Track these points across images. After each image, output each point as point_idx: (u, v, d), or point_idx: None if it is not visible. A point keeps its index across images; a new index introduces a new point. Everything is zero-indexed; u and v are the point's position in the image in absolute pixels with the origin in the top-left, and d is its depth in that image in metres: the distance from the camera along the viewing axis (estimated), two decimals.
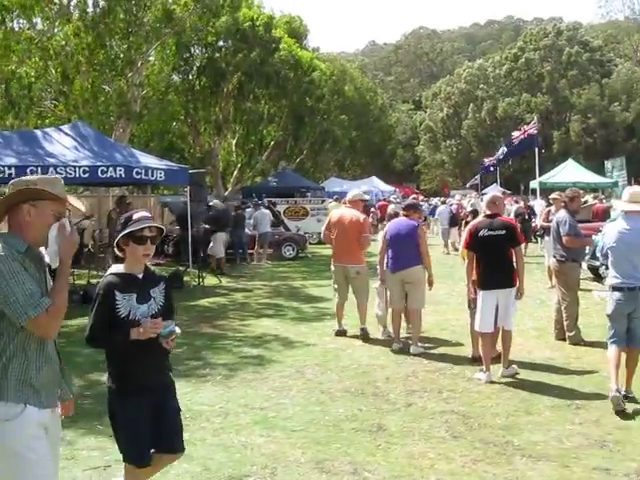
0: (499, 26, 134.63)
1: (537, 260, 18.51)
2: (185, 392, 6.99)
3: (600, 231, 15.34)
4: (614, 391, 6.71)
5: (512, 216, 18.75)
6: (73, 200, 3.62)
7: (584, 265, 14.82)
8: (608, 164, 29.79)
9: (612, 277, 7.06)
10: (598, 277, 14.43)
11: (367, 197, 13.16)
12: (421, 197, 43.11)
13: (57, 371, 3.48)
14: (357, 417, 6.62)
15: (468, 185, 45.82)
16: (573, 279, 9.87)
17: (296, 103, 31.74)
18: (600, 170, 31.49)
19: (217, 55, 28.02)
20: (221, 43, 28.53)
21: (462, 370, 8.26)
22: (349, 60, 75.13)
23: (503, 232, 7.87)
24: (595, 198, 26.18)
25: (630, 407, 6.78)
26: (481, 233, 7.95)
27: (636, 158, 57.70)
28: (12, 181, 3.44)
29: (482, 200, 10.69)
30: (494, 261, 7.92)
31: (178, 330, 4.14)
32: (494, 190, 27.69)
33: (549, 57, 67.32)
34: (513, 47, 73.96)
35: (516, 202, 26.39)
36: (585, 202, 21.51)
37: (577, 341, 9.51)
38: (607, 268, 7.45)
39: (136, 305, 4.10)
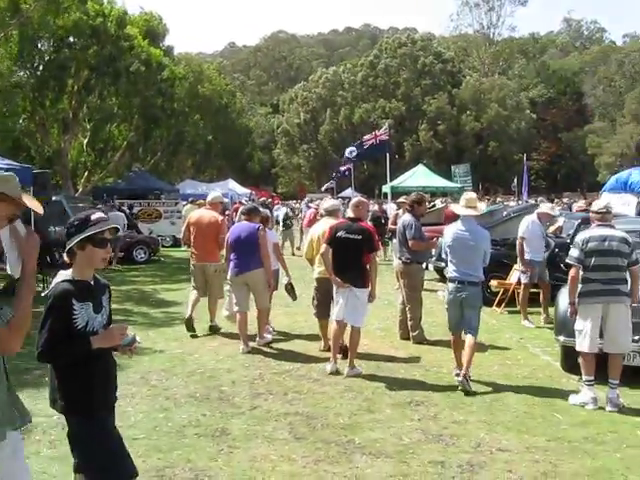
0: (356, 34, 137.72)
1: (387, 262, 19.00)
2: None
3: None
4: (457, 375, 7.63)
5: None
6: (28, 200, 3.14)
7: (430, 266, 15.39)
8: (455, 169, 31.15)
9: (450, 271, 8.05)
10: (443, 278, 14.97)
11: (226, 200, 13.36)
12: (277, 200, 43.39)
13: (8, 397, 3.10)
14: (201, 422, 6.52)
15: (323, 189, 46.49)
16: (418, 280, 10.22)
17: (149, 102, 30.96)
18: (450, 175, 32.89)
19: (66, 50, 26.85)
20: (71, 39, 27.41)
21: (308, 371, 8.32)
22: (207, 61, 74.43)
23: (359, 237, 8.15)
24: (444, 202, 27.32)
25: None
26: (339, 234, 8.24)
27: (483, 164, 60.81)
28: None
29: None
30: (346, 262, 8.20)
31: (138, 338, 3.90)
32: (350, 194, 28.26)
33: (405, 65, 69.54)
34: (370, 54, 75.91)
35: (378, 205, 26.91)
36: (433, 206, 22.42)
37: (420, 340, 9.84)
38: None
39: (93, 315, 3.76)
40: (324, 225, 9.12)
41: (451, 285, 8.01)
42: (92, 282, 3.86)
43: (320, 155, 69.65)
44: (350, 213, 8.61)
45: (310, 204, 29.49)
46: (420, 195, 10.48)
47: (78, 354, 3.66)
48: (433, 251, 14.71)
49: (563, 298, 8.05)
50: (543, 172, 71.43)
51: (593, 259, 7.15)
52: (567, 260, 7.45)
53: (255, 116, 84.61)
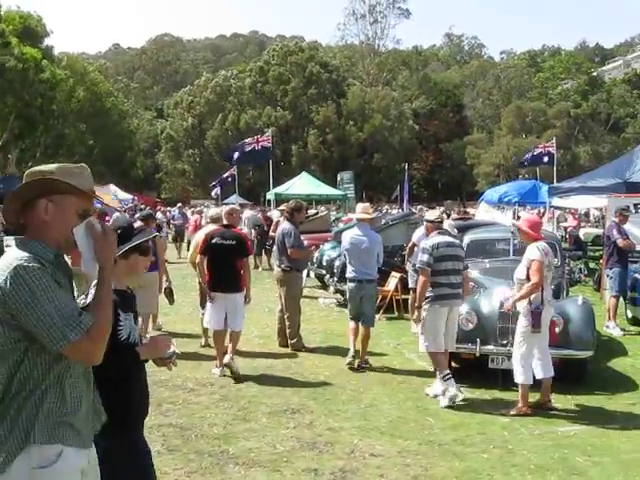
0: (244, 40, 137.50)
1: (269, 269, 18.98)
2: None
3: (328, 241, 16.22)
4: (350, 355, 8.80)
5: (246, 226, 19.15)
6: (102, 194, 2.69)
7: (312, 274, 15.52)
8: (339, 177, 31.53)
9: (349, 271, 9.21)
10: (325, 285, 15.13)
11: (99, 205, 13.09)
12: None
13: (93, 403, 2.85)
14: None
15: (213, 194, 46.00)
16: (296, 288, 10.26)
17: (26, 103, 29.75)
18: (336, 183, 33.25)
19: None
20: None
21: (184, 381, 8.17)
22: (90, 62, 72.37)
23: (234, 242, 8.47)
24: (326, 210, 27.63)
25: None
26: (214, 240, 8.52)
27: (367, 173, 61.92)
28: (28, 171, 2.73)
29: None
30: (222, 267, 8.45)
31: (177, 350, 3.70)
32: (234, 200, 28.12)
33: (293, 74, 69.85)
34: (258, 61, 75.84)
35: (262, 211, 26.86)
36: (316, 213, 22.61)
37: (299, 348, 9.88)
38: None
39: (134, 326, 3.57)
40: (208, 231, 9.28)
41: (351, 284, 9.16)
42: (129, 291, 3.71)
43: (206, 161, 68.91)
44: (224, 220, 8.92)
45: (186, 210, 29.27)
46: (299, 203, 10.54)
47: (127, 366, 3.48)
48: (315, 257, 14.88)
49: None
50: (424, 181, 73.48)
51: (442, 264, 7.62)
52: (417, 265, 7.89)
53: (139, 120, 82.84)
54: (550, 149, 22.29)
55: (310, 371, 8.79)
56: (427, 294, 7.61)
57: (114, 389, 3.37)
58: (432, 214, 8.74)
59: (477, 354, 7.94)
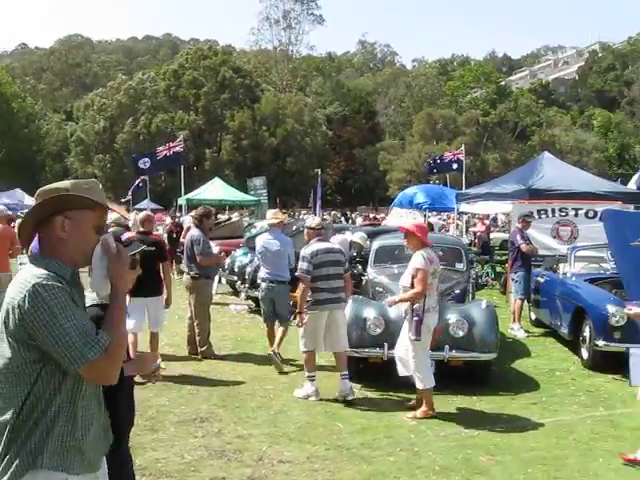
0: (157, 42, 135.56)
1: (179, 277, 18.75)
2: None
3: (240, 247, 16.16)
4: (272, 353, 9.07)
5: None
6: (115, 206, 2.59)
7: (223, 280, 15.42)
8: (251, 183, 31.43)
9: (263, 273, 9.80)
10: (236, 292, 15.06)
11: (10, 212, 13.24)
12: None
13: (103, 424, 2.80)
14: None
15: (123, 200, 45.17)
16: (206, 295, 10.16)
17: None
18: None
19: None
20: None
21: None
22: None
23: (154, 248, 8.46)
24: (240, 215, 27.51)
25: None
26: None
27: (280, 178, 61.98)
28: (39, 190, 2.69)
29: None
30: (144, 273, 8.16)
31: (163, 364, 3.60)
32: (145, 205, 27.66)
33: (206, 78, 69.22)
34: (171, 64, 74.81)
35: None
36: (229, 219, 22.49)
37: (209, 355, 9.79)
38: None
39: None
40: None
41: (264, 284, 9.69)
42: None
43: (117, 165, 67.55)
44: (141, 227, 9.24)
45: None
46: (207, 209, 10.46)
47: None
48: (226, 264, 14.79)
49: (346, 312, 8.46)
50: (338, 186, 74.09)
51: (322, 270, 7.92)
52: (297, 273, 8.15)
53: (48, 123, 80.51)
54: (459, 156, 22.83)
55: (220, 379, 8.74)
56: (308, 299, 7.93)
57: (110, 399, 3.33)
58: (312, 221, 8.92)
59: (385, 358, 8.07)
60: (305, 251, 8.04)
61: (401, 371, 7.51)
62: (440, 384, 7.59)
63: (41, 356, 2.50)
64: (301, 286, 8.05)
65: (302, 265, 7.95)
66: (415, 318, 7.12)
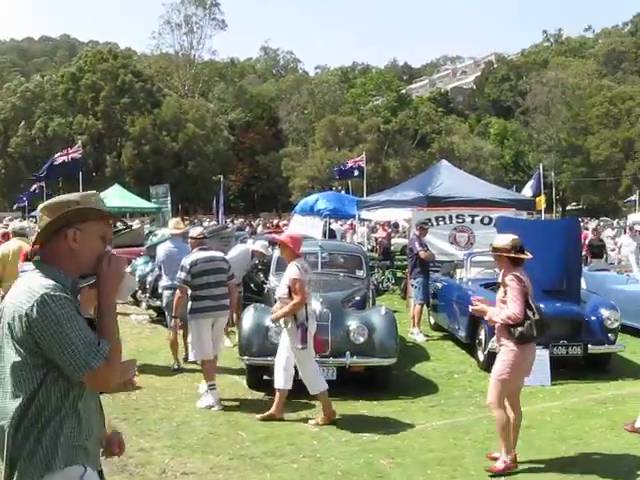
0: (54, 43, 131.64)
1: None
2: None
3: (141, 255, 15.90)
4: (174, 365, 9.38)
5: None
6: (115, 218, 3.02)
7: None
8: (153, 190, 30.93)
9: (164, 281, 10.00)
10: (137, 301, 14.79)
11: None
12: None
13: (100, 426, 2.87)
14: None
15: (15, 207, 43.76)
16: None
17: None
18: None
19: None
20: None
21: None
22: None
23: None
24: (142, 222, 27.03)
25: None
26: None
27: (183, 184, 61.24)
28: (45, 204, 2.77)
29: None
30: None
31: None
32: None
33: (105, 81, 67.65)
34: (69, 66, 72.72)
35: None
36: (129, 226, 22.04)
37: None
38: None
39: None
40: (13, 244, 9.24)
41: (167, 292, 9.84)
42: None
43: (11, 170, 65.19)
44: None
45: None
46: None
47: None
48: (128, 269, 14.52)
49: (247, 320, 8.49)
50: (241, 192, 73.95)
51: (203, 278, 8.17)
52: (176, 281, 8.56)
53: None
54: (360, 163, 23.18)
55: (121, 391, 8.58)
56: (192, 307, 8.20)
57: None
58: (195, 231, 9.22)
59: None
60: (185, 261, 8.36)
61: (279, 383, 7.50)
62: (341, 390, 7.72)
63: (45, 362, 2.58)
64: (176, 294, 8.65)
65: (180, 275, 8.33)
66: (300, 327, 7.21)
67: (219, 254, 8.79)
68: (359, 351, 8.26)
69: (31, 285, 2.59)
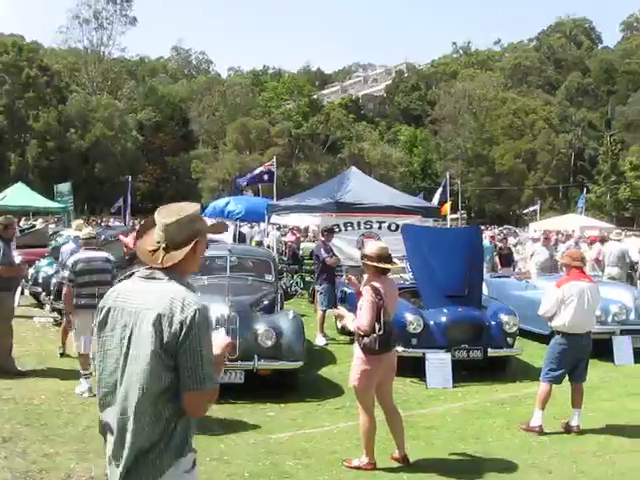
0: None
1: None
2: None
3: (45, 256, 15.52)
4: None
5: None
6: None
7: (26, 291, 14.72)
8: (57, 189, 30.11)
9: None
10: (41, 303, 14.43)
11: None
12: None
13: None
14: None
15: None
16: (6, 309, 9.56)
17: None
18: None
19: None
20: None
21: None
22: None
23: None
24: (45, 222, 26.34)
25: None
26: None
27: (89, 184, 59.90)
28: (185, 215, 3.00)
29: None
30: None
31: None
32: None
33: (9, 75, 65.28)
34: None
35: None
36: (33, 226, 21.50)
37: (10, 371, 9.31)
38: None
39: None
40: None
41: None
42: None
43: None
44: None
45: None
46: (8, 219, 9.89)
47: None
48: (30, 274, 14.16)
49: None
50: (150, 194, 72.79)
51: (85, 277, 8.59)
52: (61, 280, 9.03)
53: None
54: (270, 167, 23.22)
55: (24, 396, 8.34)
56: (75, 303, 8.59)
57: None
58: (83, 231, 9.64)
59: None
60: (70, 260, 8.88)
61: None
62: (249, 393, 7.79)
63: (175, 364, 2.80)
64: (64, 291, 8.91)
65: (64, 273, 8.96)
66: None
67: (103, 254, 9.13)
68: (267, 354, 8.35)
69: (180, 294, 2.84)
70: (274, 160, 24.04)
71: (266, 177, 23.20)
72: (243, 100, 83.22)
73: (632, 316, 11.78)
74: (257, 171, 23.84)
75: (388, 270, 6.41)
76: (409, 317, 9.67)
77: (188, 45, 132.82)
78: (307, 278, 19.46)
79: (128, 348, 2.86)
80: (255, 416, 7.77)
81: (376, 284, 6.23)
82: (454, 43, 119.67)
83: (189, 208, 3.06)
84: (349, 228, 14.79)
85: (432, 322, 9.79)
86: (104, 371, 2.97)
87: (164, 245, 2.94)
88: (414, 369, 9.49)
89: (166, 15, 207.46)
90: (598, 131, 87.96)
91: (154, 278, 2.92)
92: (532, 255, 16.28)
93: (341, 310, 6.64)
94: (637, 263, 18.35)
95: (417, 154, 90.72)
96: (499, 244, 22.00)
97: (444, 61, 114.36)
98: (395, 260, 6.56)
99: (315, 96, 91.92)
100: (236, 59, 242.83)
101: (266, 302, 9.56)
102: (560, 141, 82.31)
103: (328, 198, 15.14)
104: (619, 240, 18.28)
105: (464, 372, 9.73)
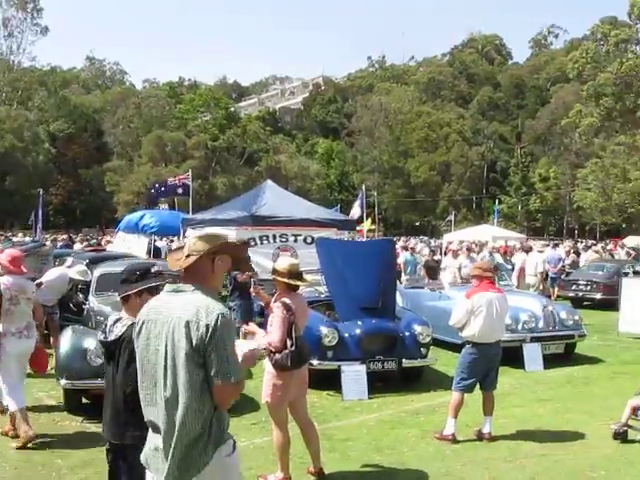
0: None
1: None
2: None
3: None
4: None
5: None
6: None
7: None
8: None
9: None
10: None
11: None
12: None
13: None
14: None
15: None
16: None
17: None
18: None
19: None
20: None
21: None
22: None
23: None
24: None
25: None
26: None
27: None
28: (207, 235, 3.62)
29: None
30: None
31: None
32: None
33: None
34: None
35: None
36: None
37: None
38: None
39: None
40: None
41: None
42: None
43: None
44: None
45: None
46: None
47: None
48: None
49: (65, 342, 8.24)
50: (62, 207, 70.99)
51: None
52: None
53: None
54: (185, 181, 22.92)
55: None
56: None
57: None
58: None
59: None
60: None
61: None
62: None
63: (203, 363, 3.25)
64: None
65: None
66: None
67: None
68: None
69: (203, 302, 3.29)
70: (189, 173, 23.79)
71: (181, 190, 22.91)
72: (159, 112, 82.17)
73: (541, 324, 12.18)
74: (171, 183, 23.45)
75: (298, 287, 6.40)
76: (324, 330, 9.70)
77: (102, 55, 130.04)
78: (223, 293, 19.29)
79: (166, 353, 3.29)
80: None
81: (287, 300, 6.22)
82: (369, 57, 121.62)
83: (214, 232, 3.84)
84: (265, 242, 14.76)
85: (347, 334, 9.84)
86: (145, 374, 3.42)
87: (186, 254, 3.47)
88: (330, 382, 9.52)
89: (79, 24, 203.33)
90: (509, 144, 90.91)
91: (180, 291, 3.39)
92: (459, 268, 16.65)
93: (252, 327, 6.56)
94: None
95: (334, 166, 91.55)
96: (424, 257, 22.44)
97: (360, 75, 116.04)
98: (306, 276, 6.56)
99: (232, 108, 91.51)
100: (151, 70, 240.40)
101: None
102: (473, 154, 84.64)
103: (244, 211, 15.08)
104: (542, 252, 19.17)
105: (379, 383, 9.83)
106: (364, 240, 22.22)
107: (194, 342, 3.20)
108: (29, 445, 7.10)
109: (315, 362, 9.51)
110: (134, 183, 67.80)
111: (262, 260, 14.35)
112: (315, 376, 9.98)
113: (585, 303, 20.62)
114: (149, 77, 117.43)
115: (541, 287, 18.43)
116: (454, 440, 7.57)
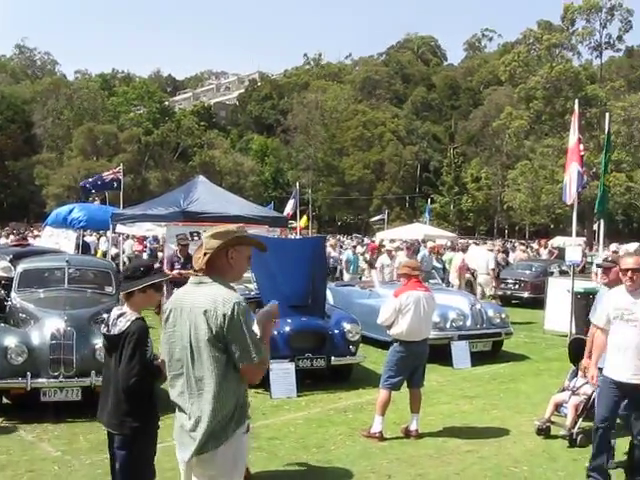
0: None
1: None
2: None
3: None
4: None
5: None
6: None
7: None
8: None
9: None
10: None
11: None
12: None
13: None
14: None
15: None
16: None
17: None
18: None
19: None
20: None
21: None
22: None
23: None
24: None
25: None
26: None
27: None
28: (216, 230, 3.81)
29: None
30: None
31: None
32: None
33: None
34: None
35: None
36: None
37: None
38: None
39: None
40: None
41: None
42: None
43: None
44: None
45: None
46: None
47: (154, 377, 4.45)
48: None
49: None
50: None
51: None
52: None
53: None
54: (118, 175, 22.52)
55: None
56: None
57: (148, 400, 4.52)
58: None
59: (28, 388, 7.70)
60: None
61: None
62: (87, 411, 7.46)
63: (225, 347, 3.60)
64: None
65: None
66: None
67: None
68: None
69: (219, 293, 3.62)
70: (121, 167, 23.37)
71: (115, 184, 22.49)
72: (90, 104, 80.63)
73: (469, 322, 12.38)
74: (106, 177, 22.95)
75: None
76: None
77: (33, 44, 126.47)
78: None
79: (190, 337, 3.64)
80: (94, 435, 7.44)
81: None
82: (305, 55, 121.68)
83: (225, 226, 3.96)
84: (195, 238, 14.54)
85: (276, 332, 9.78)
86: (172, 357, 3.75)
87: (204, 252, 3.74)
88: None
89: (9, 12, 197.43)
90: (442, 144, 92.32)
91: (202, 283, 3.70)
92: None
93: None
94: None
95: (269, 163, 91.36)
96: (367, 256, 22.79)
97: (297, 72, 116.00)
98: None
99: (166, 102, 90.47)
100: (84, 61, 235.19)
101: (106, 315, 9.18)
102: (407, 153, 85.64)
103: (175, 207, 14.84)
104: (491, 250, 19.91)
105: (308, 381, 9.81)
106: (295, 238, 22.23)
107: (214, 329, 3.56)
108: None
109: None
110: (64, 176, 66.36)
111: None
112: None
113: (513, 301, 21.12)
114: (81, 68, 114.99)
115: (494, 284, 18.84)
116: (381, 438, 7.61)
